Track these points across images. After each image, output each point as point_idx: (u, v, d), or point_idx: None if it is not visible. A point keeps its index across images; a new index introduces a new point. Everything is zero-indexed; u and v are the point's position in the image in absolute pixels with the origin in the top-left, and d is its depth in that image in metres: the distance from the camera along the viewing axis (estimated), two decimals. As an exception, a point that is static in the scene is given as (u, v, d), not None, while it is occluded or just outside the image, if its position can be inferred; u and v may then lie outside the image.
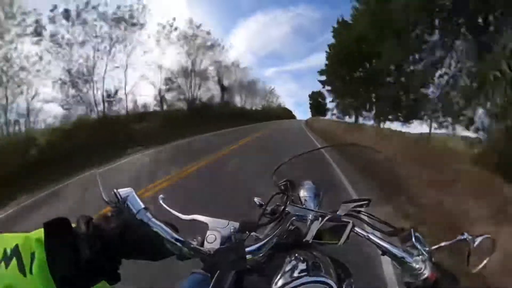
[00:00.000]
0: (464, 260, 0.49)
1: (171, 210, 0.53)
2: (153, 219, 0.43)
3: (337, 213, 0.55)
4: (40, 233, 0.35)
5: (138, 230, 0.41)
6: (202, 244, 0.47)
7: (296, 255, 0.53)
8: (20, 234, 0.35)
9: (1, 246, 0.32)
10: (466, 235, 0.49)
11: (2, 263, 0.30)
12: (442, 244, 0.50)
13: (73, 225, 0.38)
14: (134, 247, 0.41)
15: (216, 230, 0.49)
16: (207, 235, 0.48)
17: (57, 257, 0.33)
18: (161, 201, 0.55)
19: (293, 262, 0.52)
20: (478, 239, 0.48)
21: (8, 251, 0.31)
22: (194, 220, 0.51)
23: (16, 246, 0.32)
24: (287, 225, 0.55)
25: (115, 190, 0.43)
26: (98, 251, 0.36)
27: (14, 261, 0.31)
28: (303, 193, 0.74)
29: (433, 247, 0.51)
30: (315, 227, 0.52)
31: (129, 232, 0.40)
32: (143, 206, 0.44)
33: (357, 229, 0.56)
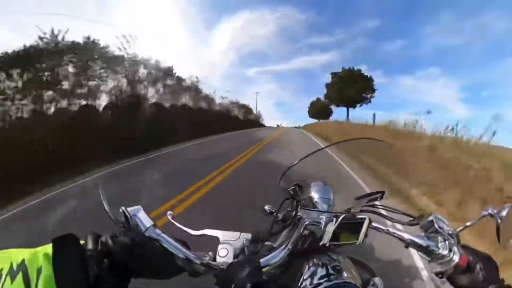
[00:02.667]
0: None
1: (180, 226, 0.51)
2: (163, 235, 0.42)
3: (351, 210, 0.53)
4: (48, 248, 0.34)
5: (148, 248, 0.40)
6: (214, 259, 0.45)
7: (314, 260, 0.51)
8: (27, 249, 0.35)
9: (8, 261, 0.32)
10: (490, 210, 0.46)
11: (8, 278, 0.30)
12: (468, 224, 0.47)
13: (82, 242, 0.38)
14: (144, 265, 0.40)
15: (227, 243, 0.47)
16: (218, 249, 0.46)
17: (64, 272, 0.32)
18: (169, 217, 0.54)
19: (312, 268, 0.49)
20: (504, 212, 0.45)
21: (15, 265, 0.31)
22: (204, 235, 0.49)
23: (23, 260, 0.32)
24: (301, 230, 0.53)
25: (123, 208, 0.43)
26: (106, 269, 0.36)
27: (19, 276, 0.30)
28: (313, 195, 0.72)
29: (458, 229, 0.48)
30: (330, 228, 0.50)
31: (138, 250, 0.39)
32: (152, 223, 0.43)
33: (374, 224, 0.53)
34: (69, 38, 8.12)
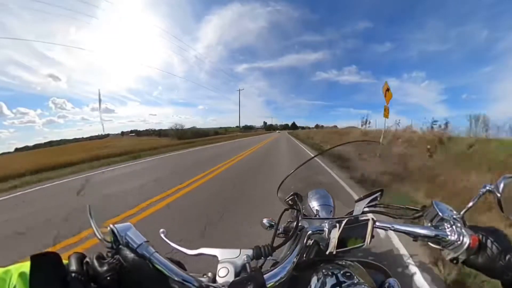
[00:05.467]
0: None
1: (174, 245, 0.48)
2: (156, 255, 0.38)
3: (353, 213, 0.52)
4: (24, 266, 0.30)
5: (139, 270, 0.36)
6: (214, 280, 0.41)
7: (323, 270, 0.48)
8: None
9: None
10: (488, 186, 0.47)
11: None
12: (470, 204, 0.47)
13: (65, 261, 0.34)
14: None
15: (227, 262, 0.44)
16: (218, 268, 0.43)
17: None
18: (162, 236, 0.50)
19: (321, 279, 0.46)
20: (501, 184, 0.45)
21: None
22: (201, 254, 0.46)
23: None
24: (305, 240, 0.51)
25: (111, 225, 0.39)
26: None
27: None
28: (313, 203, 0.70)
29: (462, 212, 0.48)
30: (335, 235, 0.48)
31: (128, 273, 0.35)
32: (144, 240, 0.40)
33: (378, 223, 0.51)
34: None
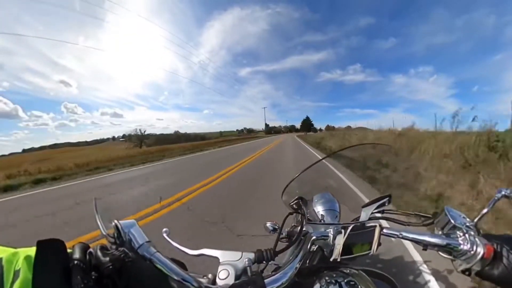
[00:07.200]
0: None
1: (176, 245, 0.48)
2: (157, 255, 0.39)
3: (360, 219, 0.50)
4: (30, 251, 0.32)
5: (141, 265, 0.37)
6: (214, 282, 0.41)
7: (326, 278, 0.47)
8: (8, 248, 0.33)
9: None
10: (503, 191, 0.44)
11: None
12: (484, 211, 0.44)
13: (69, 250, 0.35)
14: (135, 285, 0.36)
15: (228, 264, 0.43)
16: (219, 270, 0.42)
17: (45, 280, 0.29)
18: (165, 235, 0.51)
19: (324, 287, 0.45)
20: None
21: None
22: (202, 254, 0.46)
23: (0, 259, 0.30)
24: (309, 246, 0.50)
25: (115, 221, 0.40)
26: (92, 282, 0.33)
27: None
28: (318, 208, 0.68)
29: (476, 219, 0.45)
30: (340, 241, 0.46)
31: (130, 267, 0.36)
32: (146, 239, 0.40)
33: (386, 230, 0.50)
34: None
